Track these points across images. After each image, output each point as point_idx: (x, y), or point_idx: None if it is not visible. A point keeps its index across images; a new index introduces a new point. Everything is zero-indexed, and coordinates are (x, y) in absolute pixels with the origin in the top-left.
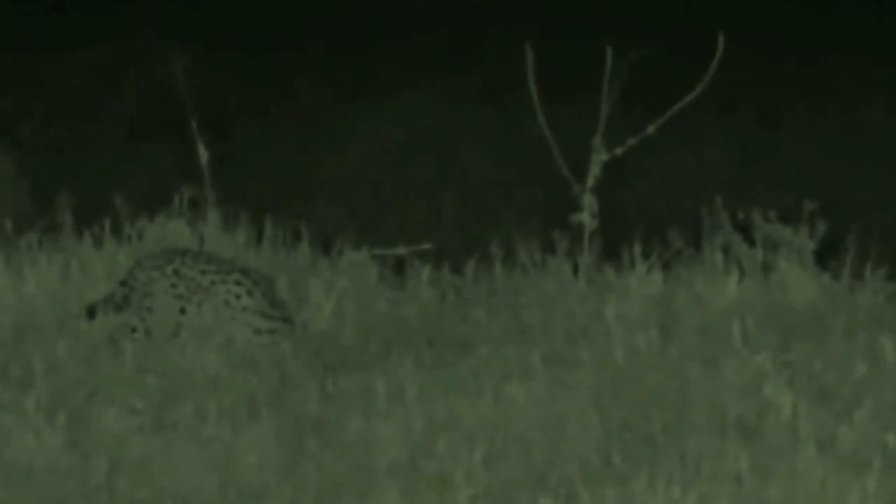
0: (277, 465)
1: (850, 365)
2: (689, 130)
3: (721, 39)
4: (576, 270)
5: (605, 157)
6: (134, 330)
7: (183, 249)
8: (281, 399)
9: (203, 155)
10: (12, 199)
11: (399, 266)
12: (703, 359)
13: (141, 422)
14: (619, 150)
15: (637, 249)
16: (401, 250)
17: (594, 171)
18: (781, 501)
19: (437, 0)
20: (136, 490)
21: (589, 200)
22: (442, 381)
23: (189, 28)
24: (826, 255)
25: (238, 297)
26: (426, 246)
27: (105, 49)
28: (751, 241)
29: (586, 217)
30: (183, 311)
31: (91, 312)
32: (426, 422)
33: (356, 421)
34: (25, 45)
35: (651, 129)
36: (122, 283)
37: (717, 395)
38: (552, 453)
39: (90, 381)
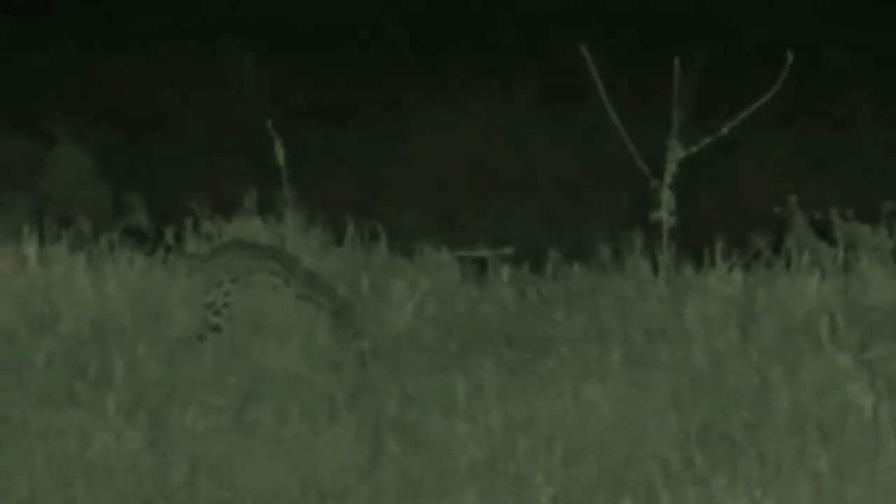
0: (357, 465)
1: None
2: (768, 129)
3: (789, 54)
4: (655, 270)
5: (681, 155)
6: (215, 324)
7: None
8: (361, 399)
9: (280, 154)
10: (92, 200)
11: (480, 266)
12: (783, 359)
13: (221, 422)
14: (694, 149)
15: (718, 249)
16: (483, 253)
17: (671, 167)
18: (862, 502)
19: (510, 1)
20: (216, 490)
21: (667, 197)
22: (521, 382)
23: (266, 28)
24: None
25: (275, 287)
26: (507, 250)
27: (181, 49)
28: (831, 241)
29: (665, 214)
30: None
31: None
32: (505, 422)
33: (435, 421)
34: (102, 46)
35: (725, 129)
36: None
37: (797, 395)
38: (631, 454)
39: (170, 380)
